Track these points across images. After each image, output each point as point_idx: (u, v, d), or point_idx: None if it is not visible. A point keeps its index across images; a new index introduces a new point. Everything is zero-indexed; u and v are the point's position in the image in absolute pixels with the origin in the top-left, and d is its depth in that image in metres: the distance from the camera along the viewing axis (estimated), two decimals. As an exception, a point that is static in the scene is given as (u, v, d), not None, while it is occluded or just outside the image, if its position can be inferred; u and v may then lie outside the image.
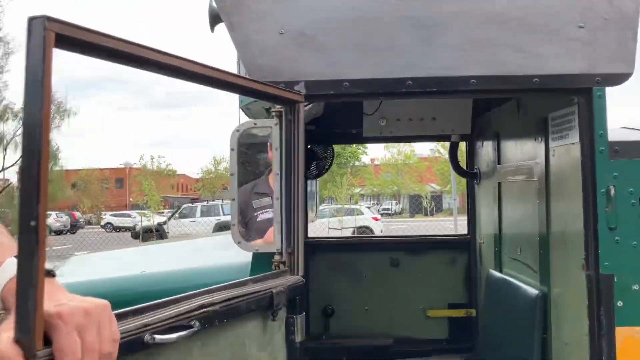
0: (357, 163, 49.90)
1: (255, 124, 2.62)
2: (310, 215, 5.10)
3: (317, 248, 4.75)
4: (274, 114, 2.57)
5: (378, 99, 2.82)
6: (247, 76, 2.60)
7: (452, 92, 2.70)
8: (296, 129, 2.52)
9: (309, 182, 4.84)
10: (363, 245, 5.21)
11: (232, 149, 2.55)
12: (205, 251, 3.81)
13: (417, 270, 4.72)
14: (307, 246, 4.72)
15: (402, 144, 47.57)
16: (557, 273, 3.08)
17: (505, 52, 2.70)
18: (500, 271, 3.98)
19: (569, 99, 2.83)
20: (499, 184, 4.04)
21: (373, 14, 2.82)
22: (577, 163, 2.67)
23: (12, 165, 18.03)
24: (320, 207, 35.05)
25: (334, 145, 4.78)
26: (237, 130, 2.58)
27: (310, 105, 3.62)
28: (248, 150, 2.64)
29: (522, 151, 3.66)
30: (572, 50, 2.68)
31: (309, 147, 4.49)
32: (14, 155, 19.07)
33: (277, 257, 2.49)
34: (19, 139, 18.40)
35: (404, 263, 4.75)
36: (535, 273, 3.37)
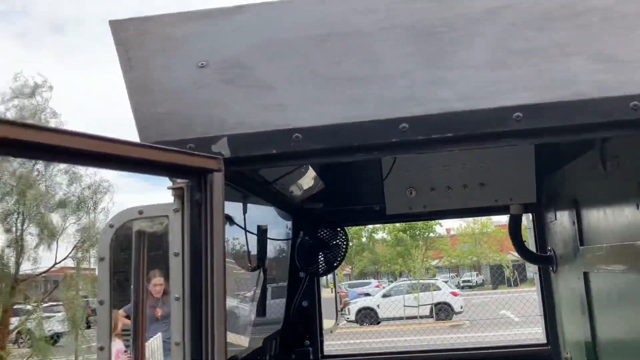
0: (431, 234, 47.91)
1: (140, 212, 1.56)
2: (329, 324, 3.89)
3: None
4: (172, 193, 1.53)
5: (353, 157, 1.73)
6: (140, 138, 1.60)
7: (481, 138, 1.57)
8: (208, 217, 1.47)
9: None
10: None
11: (101, 259, 1.50)
12: None
13: None
14: None
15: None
16: None
17: (574, 64, 1.58)
18: None
19: None
20: (586, 274, 2.76)
21: (347, 27, 1.79)
22: None
23: (65, 258, 17.76)
24: (395, 283, 33.21)
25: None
26: (111, 226, 1.54)
27: (309, 178, 2.61)
28: (129, 261, 1.60)
29: (617, 224, 2.42)
30: None
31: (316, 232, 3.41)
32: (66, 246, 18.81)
33: None
34: (70, 229, 18.26)
35: None
36: None
